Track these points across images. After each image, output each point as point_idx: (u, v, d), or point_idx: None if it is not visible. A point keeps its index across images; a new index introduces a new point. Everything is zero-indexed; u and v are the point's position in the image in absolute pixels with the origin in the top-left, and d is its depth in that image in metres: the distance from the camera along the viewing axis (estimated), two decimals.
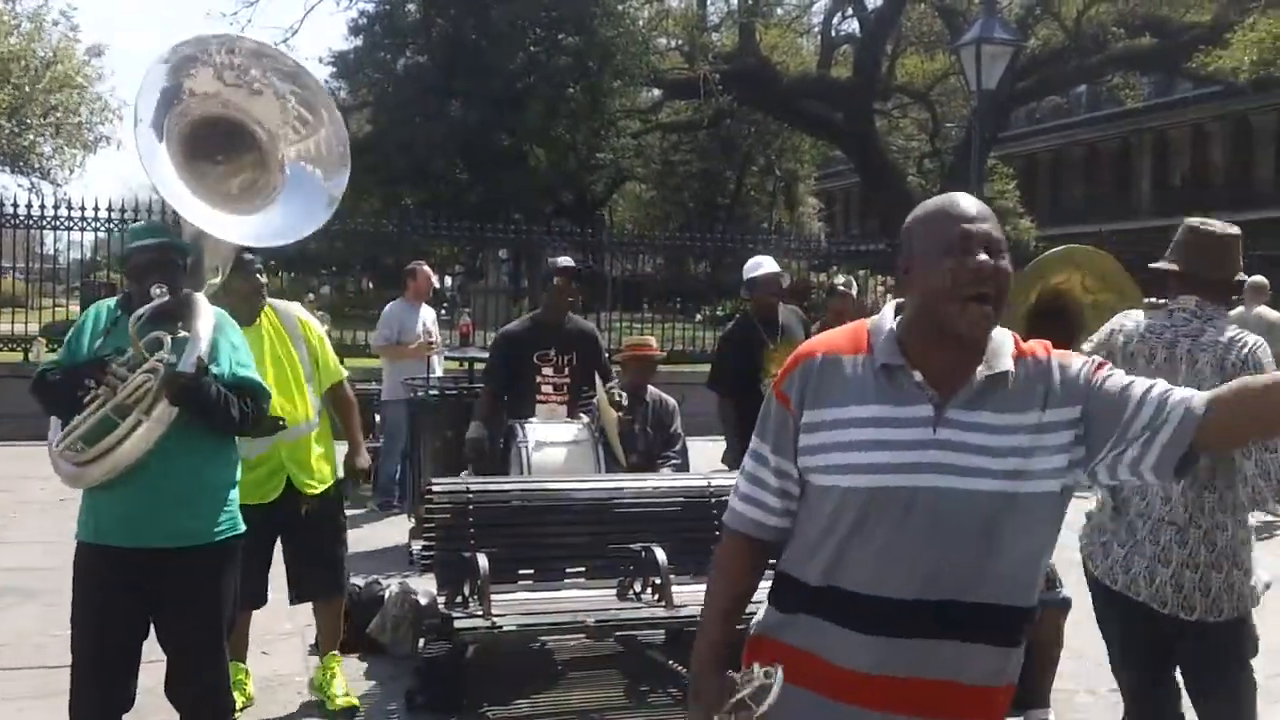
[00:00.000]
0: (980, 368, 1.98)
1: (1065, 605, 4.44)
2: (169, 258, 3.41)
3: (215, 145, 3.46)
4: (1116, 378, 1.99)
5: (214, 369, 3.39)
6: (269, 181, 3.47)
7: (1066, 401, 1.97)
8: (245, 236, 3.57)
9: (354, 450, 4.85)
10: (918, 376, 1.98)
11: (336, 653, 4.82)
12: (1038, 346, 2.08)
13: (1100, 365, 2.02)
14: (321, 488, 4.65)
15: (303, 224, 3.48)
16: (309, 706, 4.68)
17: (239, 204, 3.46)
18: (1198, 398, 1.91)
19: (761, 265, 6.63)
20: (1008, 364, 2.00)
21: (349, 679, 4.84)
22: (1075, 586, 4.28)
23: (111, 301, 3.57)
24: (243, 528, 3.57)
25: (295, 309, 4.83)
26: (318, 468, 4.64)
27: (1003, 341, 2.05)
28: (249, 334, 4.60)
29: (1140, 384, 1.97)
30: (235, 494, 3.58)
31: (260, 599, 4.62)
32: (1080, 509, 3.66)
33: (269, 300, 4.66)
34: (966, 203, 2.05)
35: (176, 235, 3.51)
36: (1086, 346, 3.25)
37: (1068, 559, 4.73)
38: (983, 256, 1.98)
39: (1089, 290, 3.65)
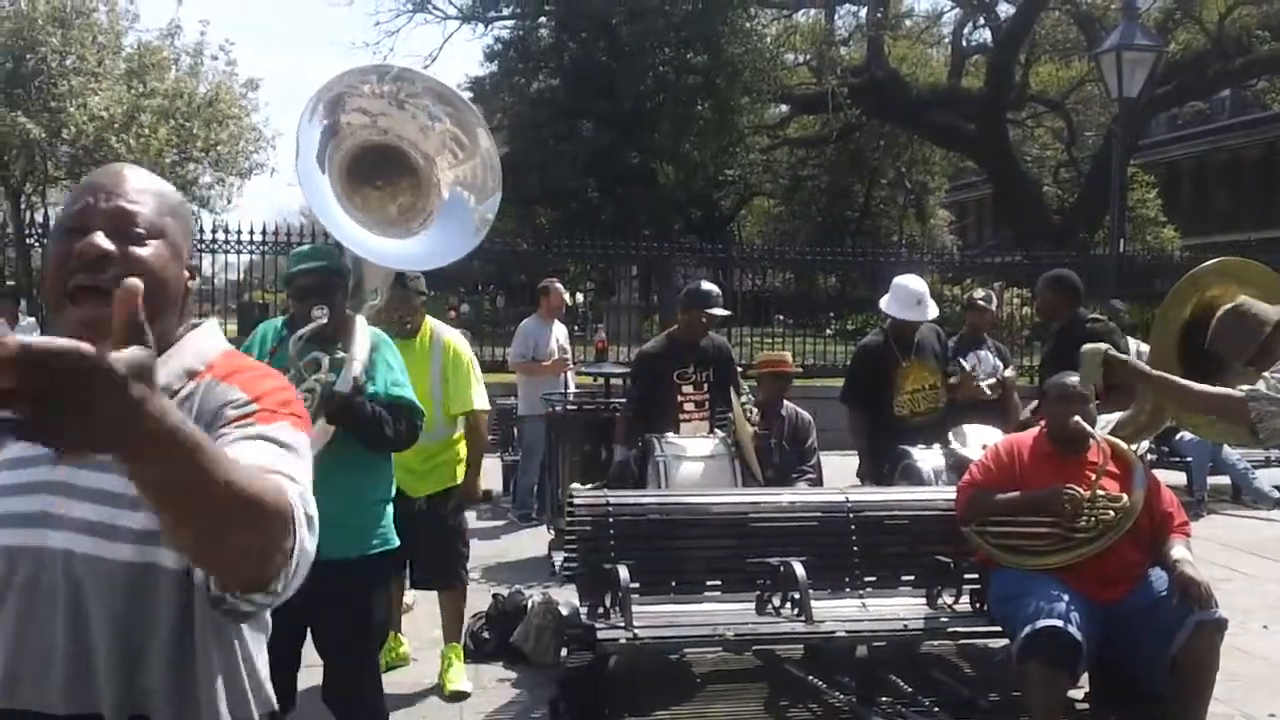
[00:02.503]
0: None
1: (1221, 625, 4.28)
2: (330, 280, 3.55)
3: (375, 171, 3.57)
4: (241, 434, 1.43)
5: (370, 388, 3.53)
6: (426, 206, 3.57)
7: None
8: (401, 260, 3.70)
9: (468, 481, 5.09)
10: None
11: (457, 644, 5.10)
12: (232, 365, 1.54)
13: (258, 413, 1.47)
14: (428, 491, 4.89)
15: (456, 247, 3.58)
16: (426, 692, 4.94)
17: (397, 228, 3.57)
18: None
19: (906, 304, 6.15)
20: (170, 377, 1.46)
21: (491, 683, 5.06)
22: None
23: (279, 321, 3.74)
24: (396, 543, 3.69)
25: (450, 334, 5.11)
26: (421, 476, 4.86)
27: (190, 348, 1.54)
28: (405, 346, 4.87)
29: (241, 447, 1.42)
30: (390, 510, 3.70)
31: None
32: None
33: (431, 321, 5.03)
34: (102, 174, 1.55)
35: (338, 258, 3.65)
36: None
37: (1219, 578, 4.59)
38: (100, 240, 1.44)
39: None
